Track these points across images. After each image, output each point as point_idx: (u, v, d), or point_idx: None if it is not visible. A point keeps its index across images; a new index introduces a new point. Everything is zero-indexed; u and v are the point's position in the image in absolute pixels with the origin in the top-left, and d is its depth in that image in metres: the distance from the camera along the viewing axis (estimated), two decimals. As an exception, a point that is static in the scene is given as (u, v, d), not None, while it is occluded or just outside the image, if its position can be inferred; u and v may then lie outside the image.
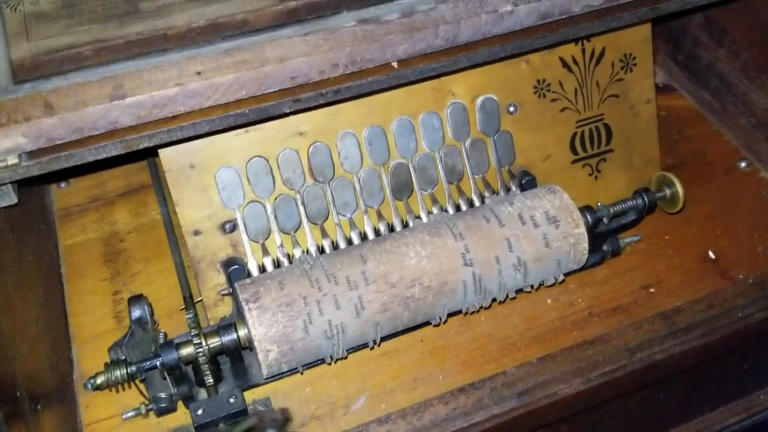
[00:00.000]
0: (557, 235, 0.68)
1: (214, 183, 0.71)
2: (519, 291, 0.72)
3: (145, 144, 0.58)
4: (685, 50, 0.95)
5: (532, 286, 0.71)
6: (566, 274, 0.73)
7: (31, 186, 0.74)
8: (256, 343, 0.62)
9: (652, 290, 0.77)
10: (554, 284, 0.72)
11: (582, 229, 0.69)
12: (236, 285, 0.66)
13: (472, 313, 0.71)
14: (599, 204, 0.75)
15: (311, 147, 0.73)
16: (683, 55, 0.96)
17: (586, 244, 0.69)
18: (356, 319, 0.64)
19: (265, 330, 0.62)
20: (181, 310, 0.75)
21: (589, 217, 0.72)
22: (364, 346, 0.69)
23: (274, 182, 0.73)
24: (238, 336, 0.65)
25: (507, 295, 0.70)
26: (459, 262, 0.66)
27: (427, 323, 0.71)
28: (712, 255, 0.80)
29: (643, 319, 0.72)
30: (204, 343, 0.65)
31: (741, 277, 0.77)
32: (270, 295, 0.64)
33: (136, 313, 0.68)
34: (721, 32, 0.88)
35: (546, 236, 0.68)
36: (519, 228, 0.68)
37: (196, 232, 0.71)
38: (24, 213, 0.72)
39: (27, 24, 0.62)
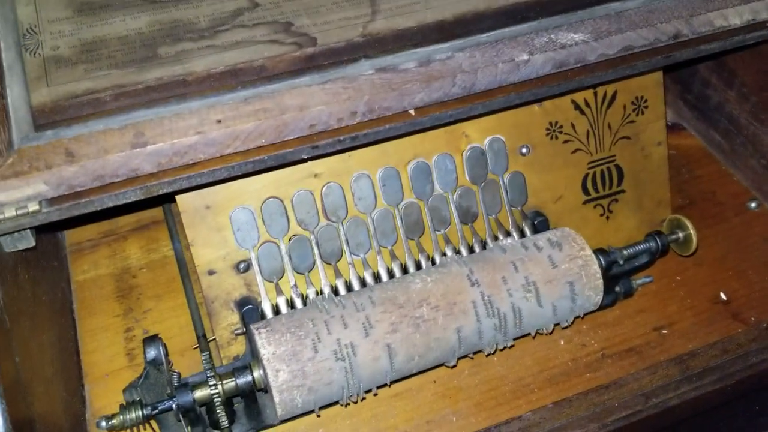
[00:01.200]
0: (562, 257, 0.69)
1: (229, 223, 0.71)
2: (539, 328, 0.71)
3: (165, 190, 0.58)
4: (694, 91, 0.96)
5: (554, 318, 0.70)
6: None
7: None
8: (265, 362, 0.62)
9: (664, 332, 0.77)
10: (576, 319, 0.72)
11: (589, 252, 0.69)
12: (251, 325, 0.66)
13: (494, 352, 0.70)
14: (609, 247, 0.75)
15: (325, 187, 0.74)
16: (692, 95, 0.97)
17: (596, 267, 0.69)
18: (365, 339, 0.63)
19: (273, 349, 0.62)
20: (194, 348, 0.75)
21: (602, 259, 0.72)
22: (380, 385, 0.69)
23: (288, 222, 0.73)
24: (253, 377, 0.66)
25: (522, 320, 0.68)
26: (465, 283, 0.67)
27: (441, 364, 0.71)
28: (723, 297, 0.80)
29: (657, 363, 0.72)
30: (219, 386, 0.65)
31: (753, 319, 0.77)
32: (280, 320, 0.65)
33: (152, 353, 0.68)
34: (731, 74, 0.89)
35: (551, 258, 0.68)
36: (522, 252, 0.69)
37: (211, 272, 0.72)
38: (38, 252, 0.72)
39: (47, 68, 0.62)
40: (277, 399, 0.62)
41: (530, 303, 0.68)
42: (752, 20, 0.70)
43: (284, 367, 0.62)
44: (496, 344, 0.69)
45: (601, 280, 0.69)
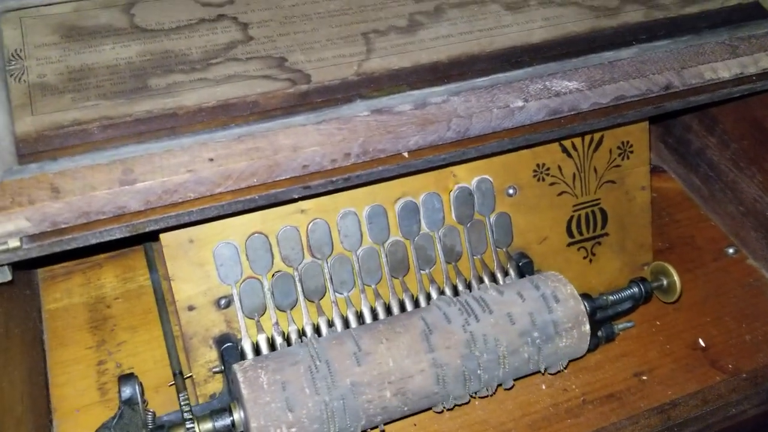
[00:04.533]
0: (554, 306, 0.69)
1: (212, 258, 0.70)
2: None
3: (152, 227, 0.56)
4: (675, 135, 0.97)
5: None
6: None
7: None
8: (246, 405, 0.60)
9: (644, 378, 0.77)
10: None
11: (578, 299, 0.69)
12: (234, 365, 0.64)
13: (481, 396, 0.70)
14: (600, 295, 0.75)
15: (311, 224, 0.72)
16: (673, 139, 0.98)
17: (585, 316, 0.69)
18: (354, 398, 0.62)
19: (256, 392, 0.60)
20: (170, 385, 0.73)
21: (587, 305, 0.72)
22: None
23: (272, 259, 0.72)
24: (233, 419, 0.64)
25: (509, 367, 0.68)
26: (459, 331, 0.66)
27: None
28: (702, 343, 0.81)
29: (639, 413, 0.72)
30: (196, 428, 0.63)
31: (730, 366, 0.78)
32: (264, 362, 0.63)
33: (127, 392, 0.66)
34: (713, 121, 0.90)
35: (543, 305, 0.69)
36: (515, 298, 0.69)
37: (191, 308, 0.70)
38: (12, 282, 0.69)
39: (32, 96, 0.60)
40: None
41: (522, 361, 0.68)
42: (740, 74, 0.71)
43: (271, 426, 0.60)
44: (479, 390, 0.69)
45: (588, 328, 0.69)
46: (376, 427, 0.66)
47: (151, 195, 0.55)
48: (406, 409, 0.64)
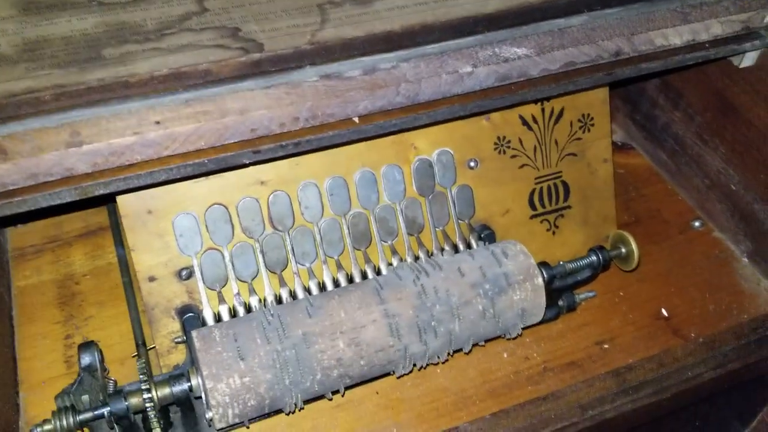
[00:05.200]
0: (509, 269, 0.70)
1: (172, 229, 0.71)
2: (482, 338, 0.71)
3: (101, 191, 0.57)
4: (642, 111, 0.98)
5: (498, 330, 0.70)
6: (524, 328, 0.73)
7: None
8: (203, 370, 0.61)
9: (605, 346, 0.78)
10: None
11: (533, 263, 0.70)
12: (191, 331, 0.65)
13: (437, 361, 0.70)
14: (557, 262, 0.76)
15: (271, 196, 0.73)
16: (641, 116, 0.99)
17: (540, 279, 0.70)
18: (306, 350, 0.63)
19: (212, 356, 0.61)
20: (134, 357, 0.74)
21: (545, 272, 0.73)
22: (320, 397, 0.68)
23: (233, 230, 0.72)
24: (190, 385, 0.65)
25: (466, 332, 0.69)
26: (413, 296, 0.67)
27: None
28: (665, 313, 0.81)
29: (595, 376, 0.72)
30: (154, 394, 0.64)
31: (693, 335, 0.79)
32: (221, 328, 0.64)
33: (86, 360, 0.67)
34: (677, 95, 0.91)
35: (498, 267, 0.70)
36: (470, 262, 0.70)
37: (152, 279, 0.71)
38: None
39: (-13, 66, 0.62)
40: (214, 408, 0.61)
41: (476, 314, 0.68)
42: (692, 41, 0.72)
43: (223, 374, 0.61)
44: (438, 356, 0.69)
45: (541, 281, 0.70)
46: (338, 391, 0.67)
47: (98, 157, 0.55)
48: (362, 363, 0.65)
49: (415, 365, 0.69)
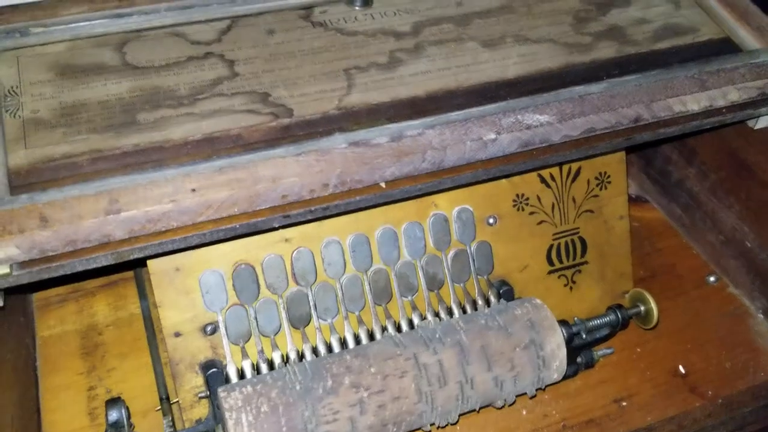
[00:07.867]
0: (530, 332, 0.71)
1: (198, 286, 0.72)
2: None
3: (136, 255, 0.59)
4: (656, 166, 1.00)
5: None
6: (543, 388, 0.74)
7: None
8: (230, 428, 0.61)
9: (624, 404, 0.78)
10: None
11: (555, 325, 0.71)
12: (218, 389, 0.66)
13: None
14: (576, 319, 0.77)
15: (295, 252, 0.75)
16: (655, 170, 1.00)
17: (561, 340, 0.71)
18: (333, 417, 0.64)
19: (239, 414, 0.62)
20: (157, 410, 0.75)
21: (565, 331, 0.74)
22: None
23: (258, 286, 0.74)
24: (215, 441, 0.66)
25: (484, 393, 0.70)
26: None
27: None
28: (682, 370, 0.82)
29: (616, 437, 0.73)
30: (180, 451, 0.65)
31: (710, 393, 0.79)
32: (248, 386, 0.64)
33: (113, 416, 0.68)
34: (691, 153, 0.93)
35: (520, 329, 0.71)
36: (492, 324, 0.71)
37: (177, 334, 0.72)
38: (5, 308, 0.72)
39: (25, 130, 0.64)
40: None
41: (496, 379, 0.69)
42: (709, 107, 0.73)
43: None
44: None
45: (565, 353, 0.71)
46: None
47: (135, 224, 0.57)
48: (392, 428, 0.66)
49: (432, 424, 0.70)
